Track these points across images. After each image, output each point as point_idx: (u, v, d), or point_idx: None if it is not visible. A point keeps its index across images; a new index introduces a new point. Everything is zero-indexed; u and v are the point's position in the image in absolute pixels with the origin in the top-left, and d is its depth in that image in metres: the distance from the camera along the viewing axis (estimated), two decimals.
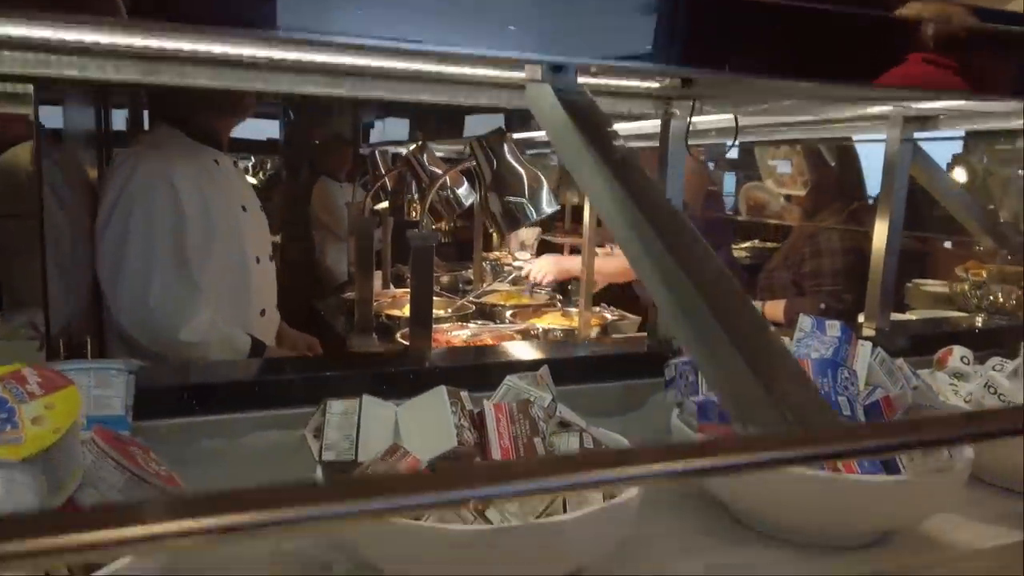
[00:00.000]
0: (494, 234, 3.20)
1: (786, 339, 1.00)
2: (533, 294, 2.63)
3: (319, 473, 0.78)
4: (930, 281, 2.21)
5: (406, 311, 2.36)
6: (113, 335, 1.52)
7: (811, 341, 0.93)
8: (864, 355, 0.94)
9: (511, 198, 1.49)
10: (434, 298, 2.35)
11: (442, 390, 0.83)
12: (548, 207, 1.46)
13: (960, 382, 1.14)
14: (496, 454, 0.81)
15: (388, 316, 2.35)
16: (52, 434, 0.57)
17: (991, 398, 1.03)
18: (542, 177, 1.46)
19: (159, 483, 0.67)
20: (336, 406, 0.81)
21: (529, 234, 3.31)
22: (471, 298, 2.60)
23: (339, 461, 0.79)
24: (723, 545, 0.90)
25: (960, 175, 2.65)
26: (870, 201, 2.12)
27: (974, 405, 1.05)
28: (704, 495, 1.02)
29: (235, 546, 0.87)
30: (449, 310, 2.46)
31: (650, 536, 0.92)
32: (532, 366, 0.98)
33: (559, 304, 2.56)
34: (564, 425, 0.91)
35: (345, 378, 0.83)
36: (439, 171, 1.98)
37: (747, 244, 3.92)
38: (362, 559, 0.79)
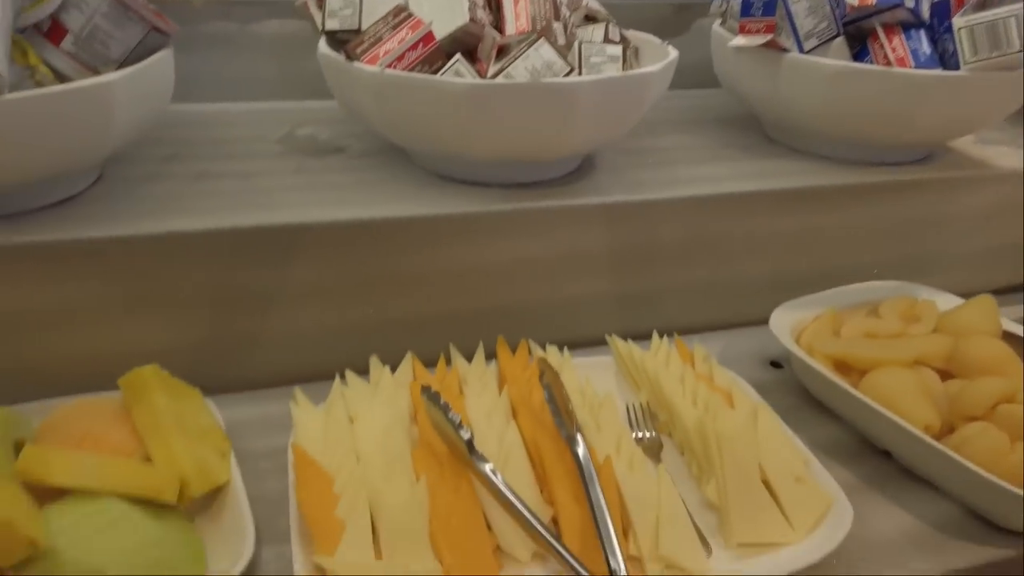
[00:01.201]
0: None
1: None
2: None
3: (322, 44, 0.74)
4: None
5: None
6: None
7: None
8: None
9: None
10: None
11: None
12: None
13: None
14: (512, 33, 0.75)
15: None
16: None
17: None
18: None
19: (149, 16, 0.64)
20: None
21: None
22: None
23: (342, 30, 0.74)
24: (753, 158, 0.86)
25: None
26: None
27: None
28: (740, 116, 0.97)
29: (244, 129, 0.87)
30: None
31: (672, 146, 0.88)
32: None
33: None
34: (590, 19, 0.84)
35: None
36: None
37: None
38: (376, 134, 0.78)
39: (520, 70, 0.69)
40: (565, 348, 0.72)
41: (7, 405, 0.57)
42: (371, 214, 0.69)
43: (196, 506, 0.55)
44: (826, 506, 0.55)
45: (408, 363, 0.69)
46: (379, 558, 0.50)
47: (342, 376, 0.67)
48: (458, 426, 0.56)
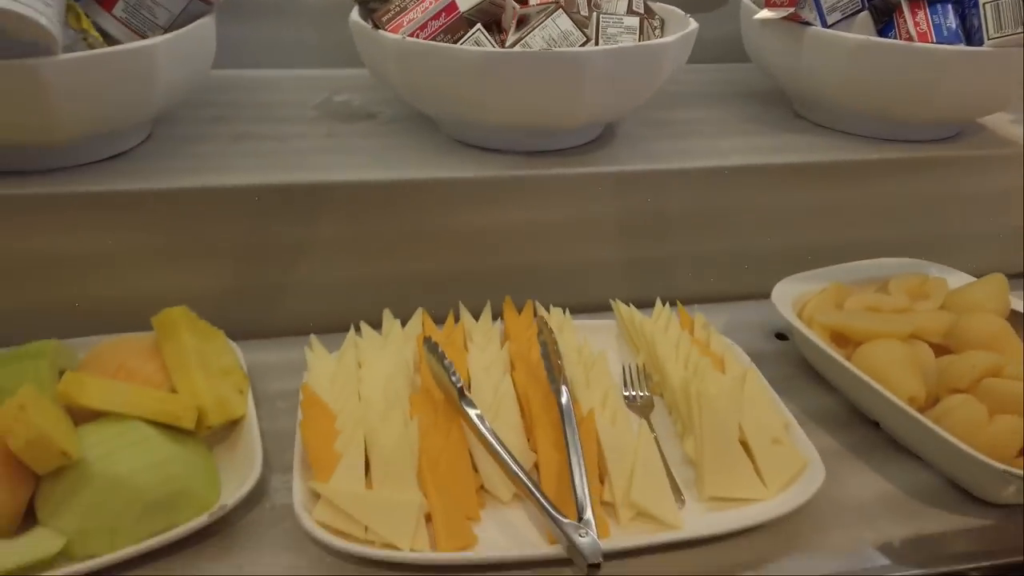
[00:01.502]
0: None
1: None
2: None
3: (354, 12, 0.78)
4: None
5: None
6: None
7: None
8: None
9: None
10: None
11: None
12: None
13: None
14: None
15: None
16: None
17: None
18: None
19: None
20: None
21: None
22: None
23: None
24: (774, 132, 0.86)
25: None
26: None
27: None
28: (768, 91, 0.97)
29: (286, 94, 0.92)
30: None
31: (695, 119, 0.89)
32: None
33: None
34: None
35: None
36: None
37: None
38: (402, 100, 0.81)
39: (537, 40, 0.72)
40: (567, 309, 0.75)
41: (57, 339, 0.64)
42: (392, 176, 0.73)
43: (215, 437, 0.61)
44: (800, 467, 0.57)
45: (418, 317, 0.73)
46: (370, 488, 0.55)
47: (357, 328, 0.72)
48: (451, 373, 0.60)
